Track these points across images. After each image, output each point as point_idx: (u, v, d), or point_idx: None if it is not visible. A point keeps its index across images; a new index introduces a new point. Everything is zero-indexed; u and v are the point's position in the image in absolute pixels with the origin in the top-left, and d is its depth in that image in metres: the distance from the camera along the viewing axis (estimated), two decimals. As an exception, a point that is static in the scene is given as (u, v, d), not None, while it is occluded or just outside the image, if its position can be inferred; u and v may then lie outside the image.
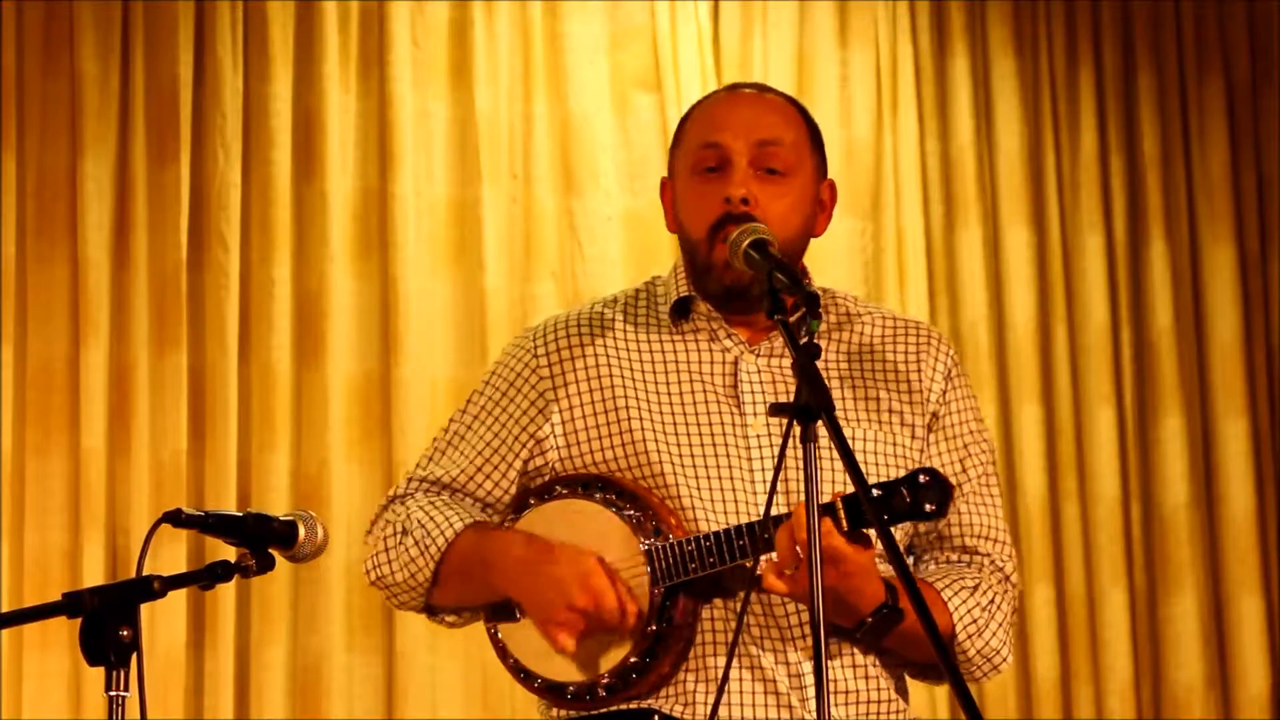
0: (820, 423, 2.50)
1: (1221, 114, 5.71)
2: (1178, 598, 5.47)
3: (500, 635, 2.92)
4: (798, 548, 2.65)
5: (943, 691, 5.17)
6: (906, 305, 5.36)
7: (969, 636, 2.89)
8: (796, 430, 2.52)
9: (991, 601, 2.93)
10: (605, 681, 2.82)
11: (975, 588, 2.93)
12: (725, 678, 2.77)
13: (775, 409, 2.57)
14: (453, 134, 5.15)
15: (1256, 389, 5.62)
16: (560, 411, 2.93)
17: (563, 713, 2.90)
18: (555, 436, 2.93)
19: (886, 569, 2.76)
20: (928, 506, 2.71)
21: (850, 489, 2.75)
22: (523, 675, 2.90)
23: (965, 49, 5.55)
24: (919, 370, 2.98)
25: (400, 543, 2.93)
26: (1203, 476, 5.56)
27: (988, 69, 5.58)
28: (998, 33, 5.60)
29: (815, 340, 2.56)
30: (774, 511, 2.73)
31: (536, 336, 2.99)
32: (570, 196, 5.20)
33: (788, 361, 2.91)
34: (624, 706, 2.83)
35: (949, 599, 2.89)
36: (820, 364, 2.68)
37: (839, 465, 2.82)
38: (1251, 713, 5.44)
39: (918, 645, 2.86)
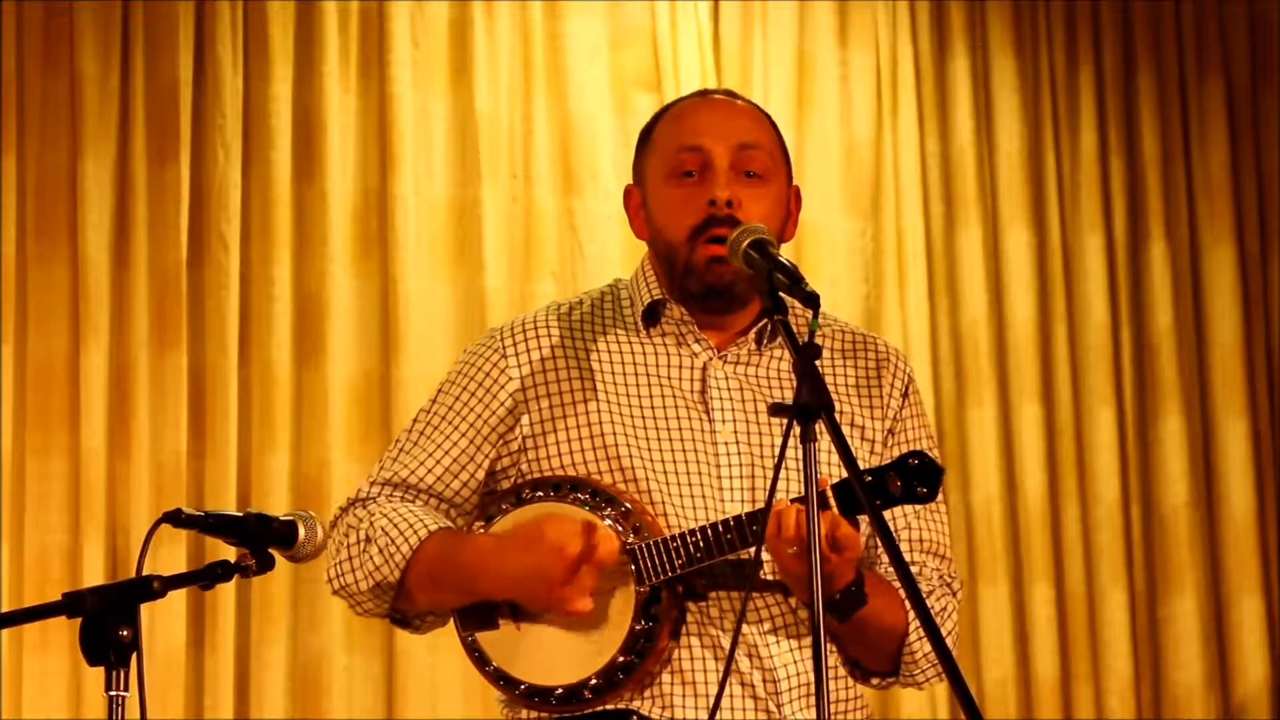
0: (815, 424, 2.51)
1: (1221, 114, 5.72)
2: (1178, 598, 5.47)
3: (479, 643, 2.89)
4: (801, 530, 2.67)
5: (943, 691, 5.17)
6: (906, 305, 5.36)
7: (920, 639, 2.90)
8: (787, 430, 2.52)
9: (944, 609, 2.96)
10: (594, 683, 2.81)
11: (929, 593, 2.95)
12: (725, 679, 2.76)
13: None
14: (453, 134, 5.15)
15: (1256, 389, 5.62)
16: (530, 414, 2.91)
17: (532, 714, 2.87)
18: (525, 439, 2.91)
19: None
20: (920, 489, 2.72)
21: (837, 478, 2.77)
22: (503, 682, 2.87)
23: (965, 49, 5.55)
24: (879, 385, 3.00)
25: (364, 550, 2.88)
26: (1203, 477, 5.57)
27: (988, 69, 5.59)
28: (998, 33, 5.60)
29: (815, 342, 2.56)
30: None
31: (504, 337, 2.96)
32: (570, 196, 5.20)
33: (753, 369, 2.93)
34: (602, 708, 2.82)
35: (903, 600, 2.89)
36: (781, 376, 2.76)
37: (829, 464, 2.83)
38: (1251, 712, 5.44)
39: (869, 639, 2.89)
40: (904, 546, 2.97)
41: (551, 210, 5.18)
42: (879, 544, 2.94)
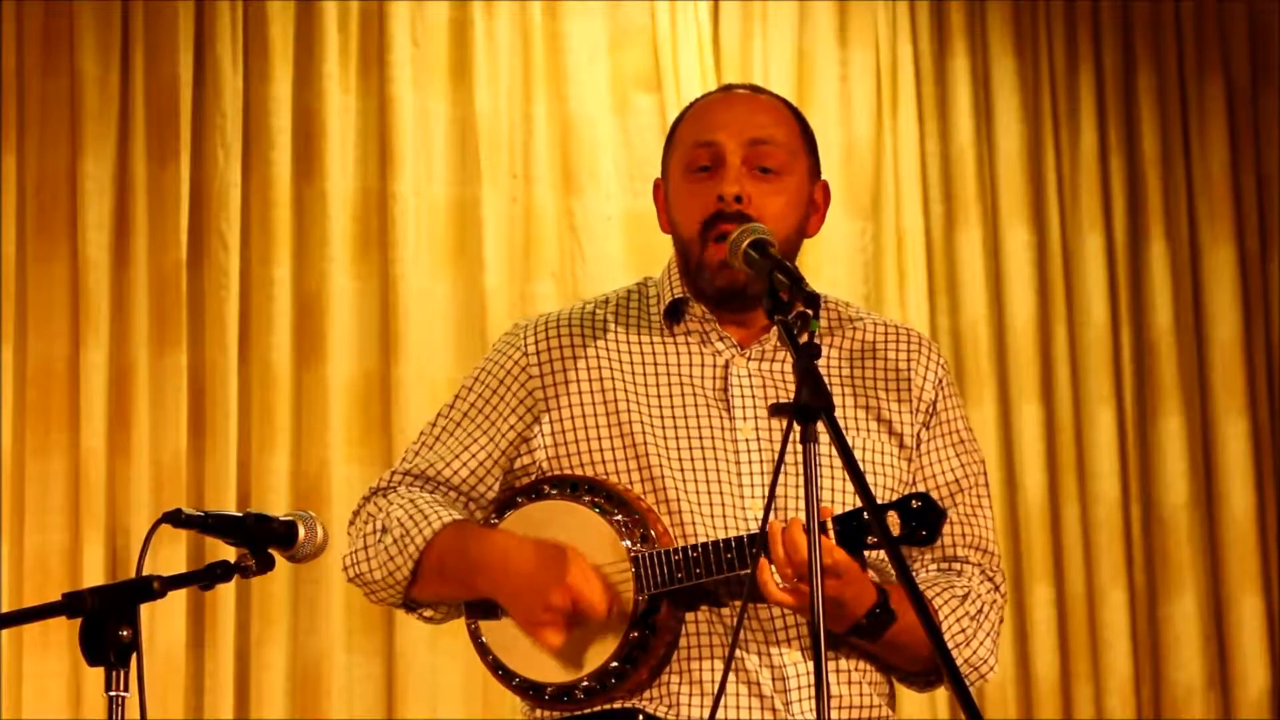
0: (819, 424, 2.49)
1: (1221, 114, 5.71)
2: (1178, 598, 5.47)
3: (480, 632, 2.91)
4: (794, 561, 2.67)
5: (942, 692, 5.16)
6: (906, 305, 5.36)
7: (956, 645, 2.89)
8: (795, 431, 2.51)
9: (980, 611, 2.93)
10: (585, 684, 2.82)
11: (965, 596, 2.93)
12: (723, 684, 2.76)
13: (776, 409, 2.57)
14: (453, 134, 5.15)
15: (1256, 389, 5.62)
16: (549, 412, 2.91)
17: (545, 713, 2.89)
18: (544, 436, 2.91)
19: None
20: (921, 532, 2.70)
21: (844, 500, 2.78)
22: (501, 673, 2.89)
23: (965, 49, 5.55)
24: (910, 378, 2.98)
25: (379, 540, 2.91)
26: (1203, 476, 5.57)
27: (988, 69, 5.59)
28: (998, 33, 5.60)
29: (814, 342, 2.55)
30: (772, 515, 2.72)
31: (527, 334, 2.97)
32: (570, 196, 5.20)
33: (778, 365, 2.92)
34: (608, 706, 2.83)
35: (939, 607, 2.89)
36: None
37: (836, 467, 2.82)
38: (1252, 713, 5.44)
39: (905, 650, 2.87)
40: (949, 541, 2.95)
41: (551, 210, 5.18)
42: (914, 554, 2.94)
